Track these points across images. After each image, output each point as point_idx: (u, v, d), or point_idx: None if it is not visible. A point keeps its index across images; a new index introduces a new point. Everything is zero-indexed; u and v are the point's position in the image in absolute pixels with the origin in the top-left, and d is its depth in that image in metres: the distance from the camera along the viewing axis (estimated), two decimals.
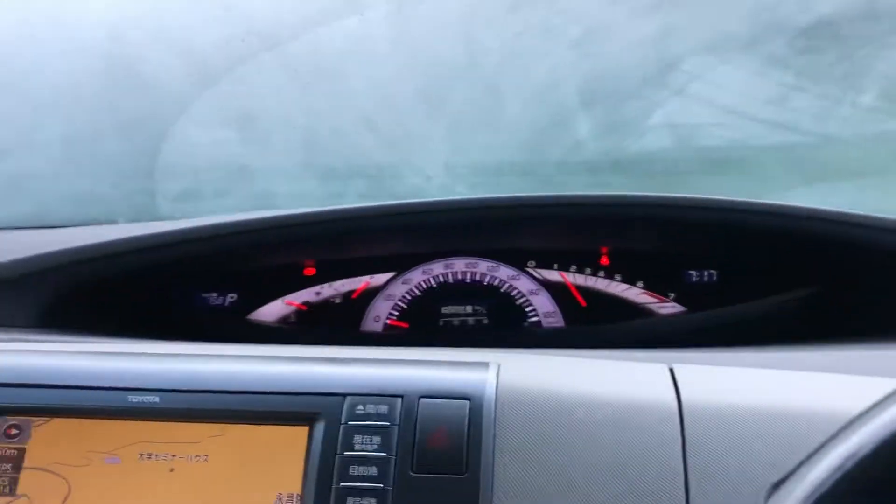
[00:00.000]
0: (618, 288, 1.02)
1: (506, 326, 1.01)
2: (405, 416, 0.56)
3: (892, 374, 0.64)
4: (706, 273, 1.02)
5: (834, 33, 0.99)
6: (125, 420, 0.59)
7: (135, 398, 0.59)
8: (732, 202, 0.88)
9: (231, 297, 1.05)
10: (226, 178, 1.28)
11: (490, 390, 0.57)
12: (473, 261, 1.03)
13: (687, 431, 0.56)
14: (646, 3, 1.01)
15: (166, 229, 0.95)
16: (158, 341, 0.83)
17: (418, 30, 1.07)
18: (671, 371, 0.63)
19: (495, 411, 0.56)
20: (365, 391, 0.57)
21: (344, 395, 0.57)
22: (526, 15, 1.02)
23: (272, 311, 1.04)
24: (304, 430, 0.57)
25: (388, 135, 1.14)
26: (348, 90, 1.10)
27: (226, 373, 0.60)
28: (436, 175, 1.26)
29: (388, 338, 1.01)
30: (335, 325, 1.03)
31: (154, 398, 0.59)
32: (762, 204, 0.88)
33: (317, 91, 1.11)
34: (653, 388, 0.59)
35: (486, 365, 0.60)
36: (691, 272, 1.03)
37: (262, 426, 0.58)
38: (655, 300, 1.02)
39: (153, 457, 0.58)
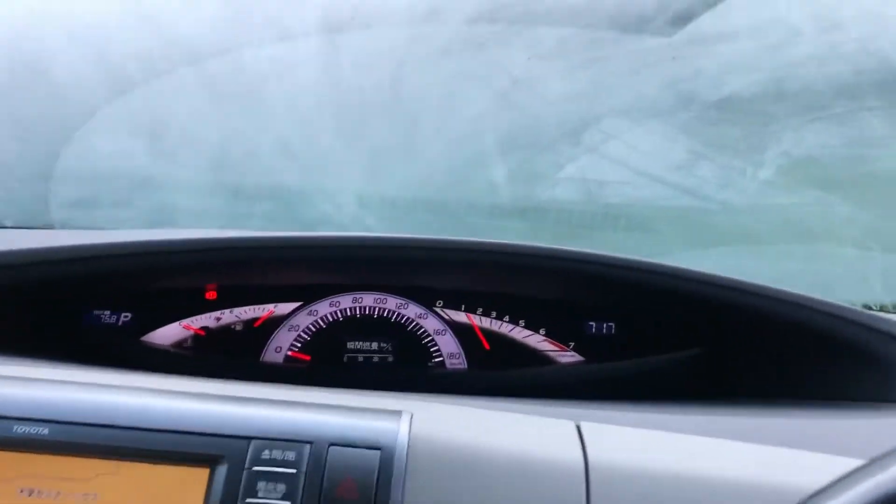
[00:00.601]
0: (521, 334, 1.04)
1: (410, 365, 1.01)
2: (313, 463, 0.54)
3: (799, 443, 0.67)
4: (605, 325, 1.06)
5: (743, 109, 1.05)
6: (8, 451, 0.55)
7: (20, 428, 0.56)
8: (623, 260, 0.92)
9: (125, 316, 1.00)
10: (127, 188, 1.23)
11: (402, 440, 0.57)
12: (382, 296, 1.03)
13: (592, 492, 0.57)
14: (574, 63, 1.05)
15: (59, 243, 0.90)
16: (48, 363, 0.78)
17: (347, 62, 1.07)
18: (578, 428, 0.64)
19: (406, 463, 0.55)
20: (272, 435, 0.55)
21: (249, 439, 0.55)
22: (457, 61, 1.04)
23: (168, 334, 1.00)
24: (204, 472, 0.55)
25: (303, 161, 1.12)
26: (268, 113, 1.09)
27: (124, 406, 0.57)
28: (346, 204, 1.25)
29: (287, 372, 0.99)
30: (234, 353, 1.00)
31: (42, 429, 0.55)
32: (652, 264, 0.92)
33: (235, 110, 1.09)
34: (560, 446, 0.60)
35: (398, 414, 0.60)
36: (591, 323, 1.05)
37: (160, 466, 0.55)
38: (556, 349, 1.04)
39: (36, 493, 0.55)
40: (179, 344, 0.99)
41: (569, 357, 1.04)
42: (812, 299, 0.87)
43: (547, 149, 1.09)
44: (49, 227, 1.29)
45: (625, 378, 1.03)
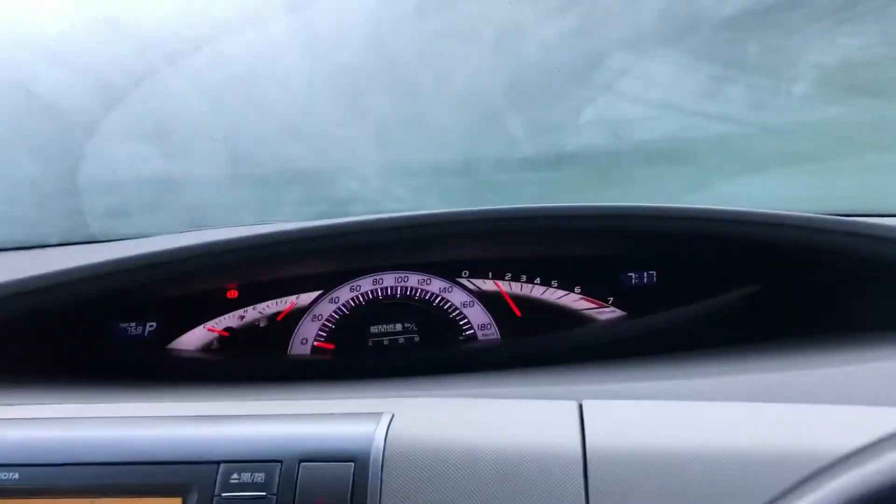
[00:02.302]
0: (554, 295, 0.98)
1: (439, 343, 0.96)
2: (284, 483, 0.51)
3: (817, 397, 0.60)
4: (645, 275, 0.98)
5: (758, 23, 0.94)
6: None
7: None
8: (657, 210, 0.84)
9: (150, 326, 1.00)
10: (152, 192, 1.22)
11: (377, 448, 0.53)
12: (403, 275, 0.98)
13: (590, 478, 0.52)
14: (553, 4, 0.96)
15: (75, 265, 0.90)
16: (76, 386, 0.77)
17: (326, 38, 1.02)
18: (580, 408, 0.58)
19: (382, 473, 0.51)
20: (240, 457, 0.52)
21: (217, 463, 0.52)
22: (435, 20, 0.97)
23: (194, 338, 0.99)
24: (176, 502, 0.52)
25: (314, 142, 1.09)
26: (264, 100, 1.05)
27: (92, 442, 0.55)
28: (371, 178, 1.21)
29: (315, 364, 0.96)
30: (261, 349, 0.98)
31: (13, 475, 0.54)
32: (690, 209, 0.84)
33: (231, 102, 1.06)
34: (556, 432, 0.55)
35: (377, 416, 0.56)
36: (630, 274, 0.98)
37: (133, 499, 0.53)
38: (594, 306, 0.98)
39: None
40: (207, 347, 0.98)
41: (608, 313, 0.98)
42: (859, 223, 0.78)
43: (559, 96, 1.02)
44: (92, 239, 1.31)
45: (671, 329, 0.95)
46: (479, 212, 0.92)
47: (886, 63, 0.95)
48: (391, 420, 0.55)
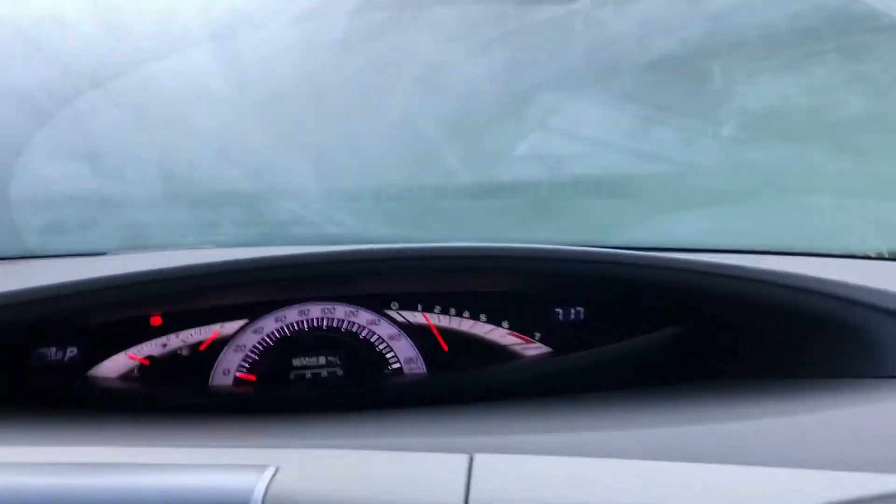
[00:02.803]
0: (482, 329, 0.98)
1: (364, 377, 0.96)
2: None
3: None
4: (573, 311, 0.98)
5: (679, 69, 0.95)
6: None
7: None
8: (581, 254, 0.85)
9: (71, 351, 0.98)
10: (88, 210, 1.21)
11: None
12: (330, 306, 0.97)
13: None
14: (484, 40, 0.96)
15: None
16: None
17: (253, 65, 1.01)
18: (470, 461, 0.58)
19: None
20: None
21: None
22: (361, 52, 0.97)
23: (115, 366, 0.97)
24: None
25: (250, 165, 1.08)
26: (200, 124, 1.04)
27: None
28: (312, 202, 1.20)
29: (235, 396, 0.95)
30: (182, 379, 0.96)
31: None
32: (611, 255, 0.85)
33: (165, 125, 1.04)
34: (441, 489, 0.54)
35: (260, 470, 0.55)
36: (558, 310, 0.98)
37: None
38: (521, 342, 0.97)
39: None
40: (127, 375, 0.97)
41: (535, 349, 0.97)
42: (787, 275, 0.79)
43: (495, 129, 1.02)
44: (30, 255, 1.29)
45: (595, 367, 0.95)
46: (407, 249, 0.91)
47: (809, 111, 0.96)
48: (274, 474, 0.54)
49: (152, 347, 0.97)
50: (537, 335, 0.98)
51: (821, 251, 0.95)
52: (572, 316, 0.98)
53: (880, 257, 0.93)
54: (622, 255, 0.88)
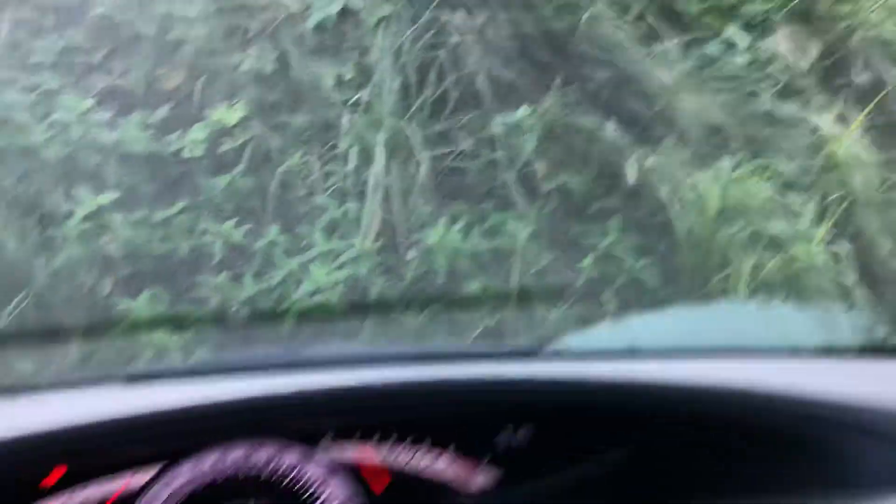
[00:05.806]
0: (425, 460, 0.89)
1: None
2: None
3: None
4: (521, 433, 0.91)
5: None
6: None
7: None
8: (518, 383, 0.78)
9: None
10: None
11: None
12: (254, 446, 0.87)
13: None
14: None
15: None
16: None
17: None
18: None
19: None
20: None
21: None
22: None
23: None
24: None
25: None
26: None
27: None
28: None
29: None
30: None
31: None
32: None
33: None
34: None
35: None
36: (505, 435, 0.91)
37: None
38: (465, 473, 0.89)
39: None
40: None
41: (482, 477, 0.89)
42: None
43: None
44: None
45: (541, 495, 0.88)
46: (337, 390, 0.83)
47: None
48: None
49: None
50: (485, 459, 0.90)
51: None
52: (520, 440, 0.90)
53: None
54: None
